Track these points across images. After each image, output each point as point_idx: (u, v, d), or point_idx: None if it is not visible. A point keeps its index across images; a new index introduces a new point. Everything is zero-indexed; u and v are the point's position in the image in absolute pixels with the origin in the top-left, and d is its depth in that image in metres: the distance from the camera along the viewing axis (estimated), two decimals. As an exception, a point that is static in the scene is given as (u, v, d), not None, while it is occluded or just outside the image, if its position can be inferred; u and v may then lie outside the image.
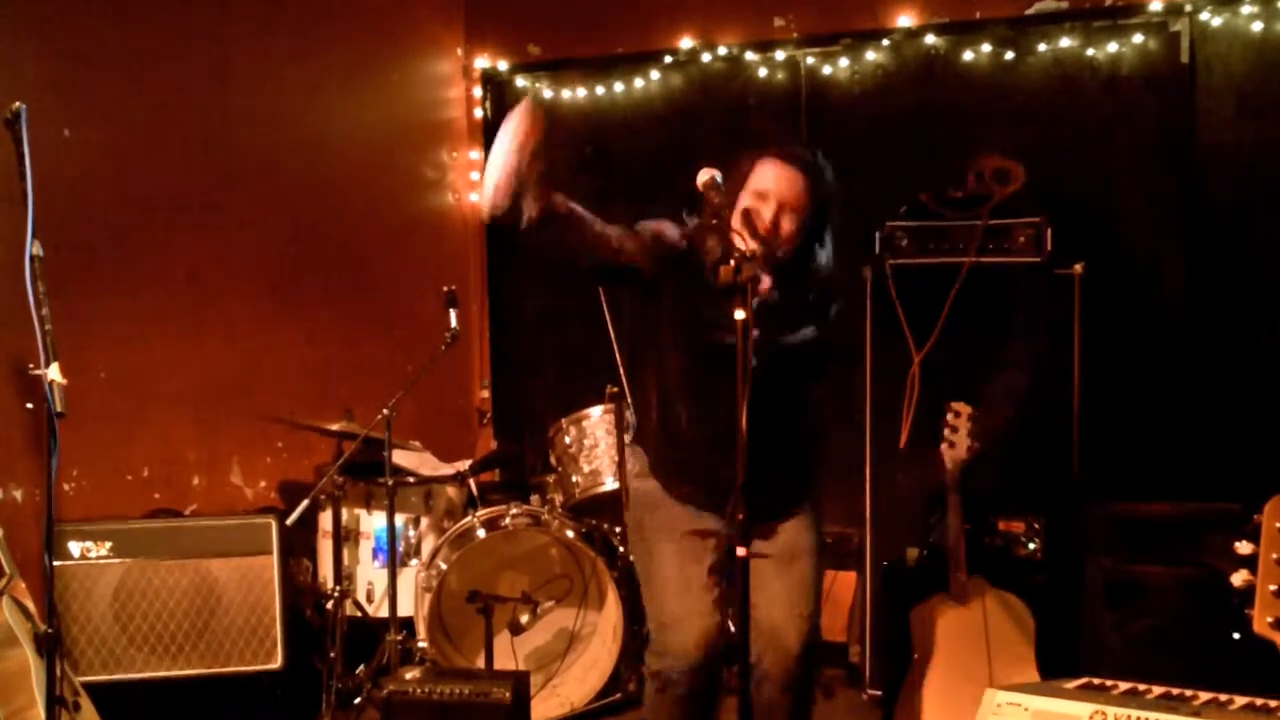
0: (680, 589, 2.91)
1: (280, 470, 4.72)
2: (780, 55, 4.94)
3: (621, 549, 4.19)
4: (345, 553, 4.17)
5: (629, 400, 4.06)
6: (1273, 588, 2.13)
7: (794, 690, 2.95)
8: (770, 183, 2.80)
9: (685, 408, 2.90)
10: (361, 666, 4.04)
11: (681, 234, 2.89)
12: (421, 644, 4.04)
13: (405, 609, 4.14)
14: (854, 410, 4.21)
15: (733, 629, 2.95)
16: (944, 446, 3.70)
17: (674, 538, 2.93)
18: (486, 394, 5.64)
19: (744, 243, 2.69)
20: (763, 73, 4.98)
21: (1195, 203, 4.30)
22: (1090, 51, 4.43)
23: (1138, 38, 4.36)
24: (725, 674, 3.17)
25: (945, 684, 3.51)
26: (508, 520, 4.14)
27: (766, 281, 2.77)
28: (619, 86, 5.28)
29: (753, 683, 2.82)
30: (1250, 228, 4.23)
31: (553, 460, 4.35)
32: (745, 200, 2.80)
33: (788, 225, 2.79)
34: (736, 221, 2.77)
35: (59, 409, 2.66)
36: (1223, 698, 2.26)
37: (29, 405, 3.76)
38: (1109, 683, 2.36)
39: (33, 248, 2.69)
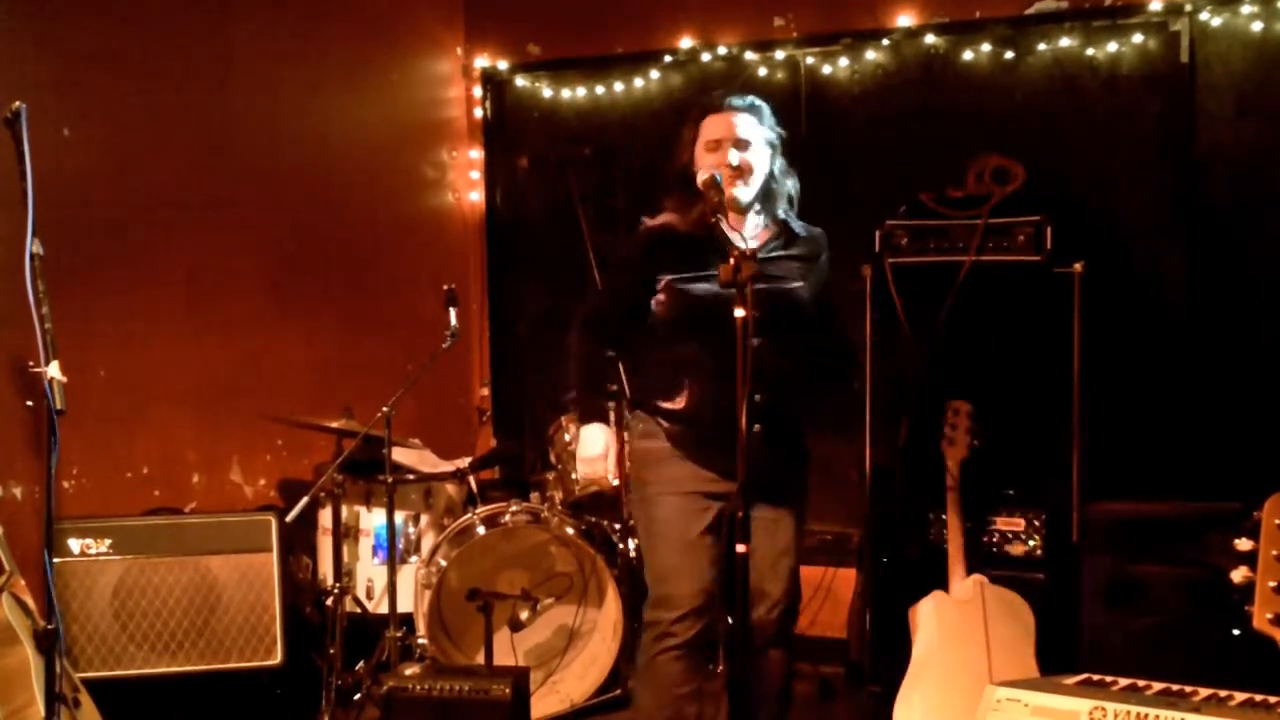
0: (680, 543, 3.03)
1: (280, 468, 4.72)
2: (780, 55, 4.94)
3: (621, 546, 4.19)
4: (345, 550, 4.17)
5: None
6: (1272, 584, 2.14)
7: (781, 643, 3.13)
8: (717, 130, 3.07)
9: (691, 373, 3.03)
10: (361, 663, 4.04)
11: (673, 218, 3.12)
12: (421, 641, 4.05)
13: (405, 606, 4.14)
14: (854, 407, 4.21)
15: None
16: (944, 445, 3.72)
17: (676, 494, 3.05)
18: (486, 392, 5.64)
19: (728, 188, 2.97)
20: (763, 72, 4.98)
21: (1195, 202, 4.30)
22: (1090, 51, 4.44)
23: (1137, 37, 4.37)
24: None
25: (945, 681, 3.51)
26: (507, 517, 4.14)
27: (764, 234, 3.10)
28: (619, 86, 5.28)
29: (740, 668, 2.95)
30: (1250, 227, 4.23)
31: (552, 458, 4.35)
32: (706, 158, 3.06)
33: (747, 161, 3.05)
34: (706, 174, 2.98)
35: (59, 406, 2.66)
36: (1222, 693, 2.26)
37: (29, 403, 3.76)
38: (1108, 679, 2.37)
39: (33, 246, 2.69)
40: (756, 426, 2.87)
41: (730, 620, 3.00)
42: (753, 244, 2.99)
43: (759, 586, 2.99)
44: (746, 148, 3.05)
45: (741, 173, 3.04)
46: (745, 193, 3.06)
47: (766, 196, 3.12)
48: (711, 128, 3.07)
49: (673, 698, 3.03)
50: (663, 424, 3.09)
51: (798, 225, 3.17)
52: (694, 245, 3.02)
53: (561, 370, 3.23)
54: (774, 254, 3.08)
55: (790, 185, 3.17)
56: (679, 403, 3.06)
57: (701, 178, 2.94)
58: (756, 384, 2.84)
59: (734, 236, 2.98)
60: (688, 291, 3.02)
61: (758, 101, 3.15)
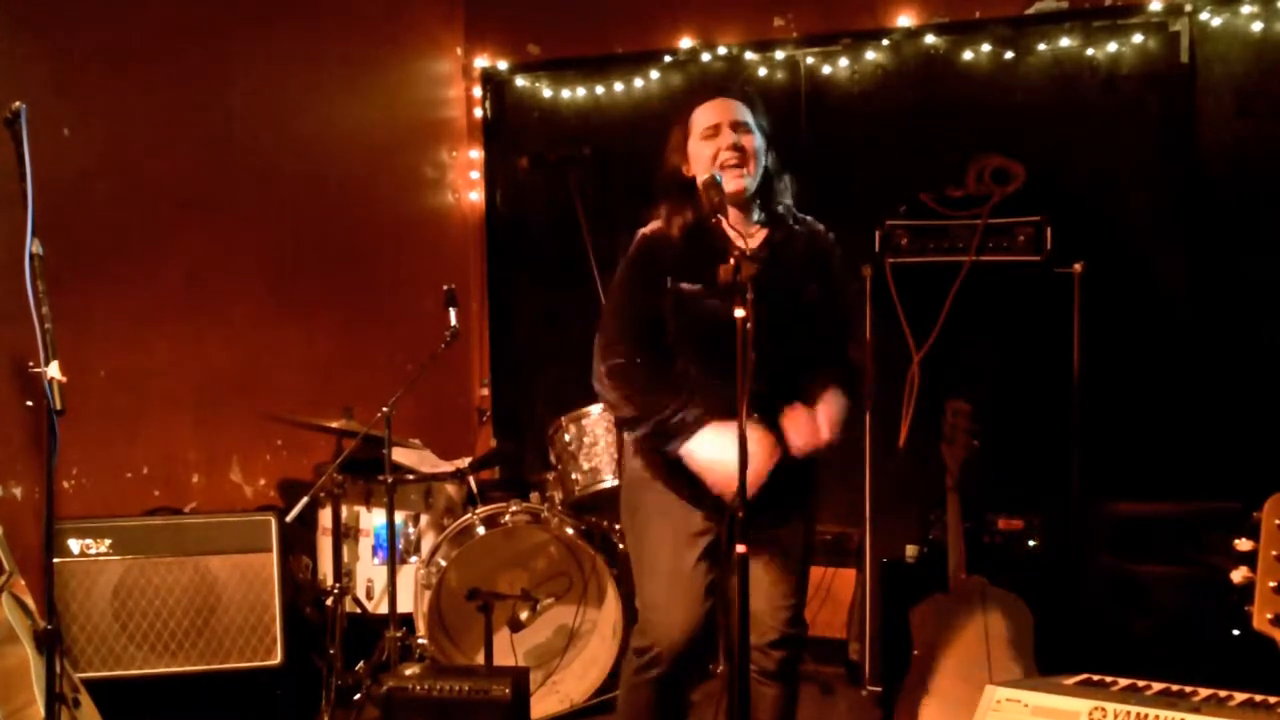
0: (671, 574, 2.91)
1: (280, 468, 4.72)
2: (780, 55, 4.95)
3: (621, 546, 4.19)
4: (345, 550, 4.17)
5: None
6: (1272, 584, 2.13)
7: (778, 678, 2.99)
8: (711, 115, 2.89)
9: (690, 391, 2.83)
10: (361, 663, 4.04)
11: (665, 225, 2.96)
12: (421, 641, 4.05)
13: (405, 606, 4.14)
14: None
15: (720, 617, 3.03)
16: (944, 445, 3.72)
17: (667, 521, 2.91)
18: (486, 392, 5.64)
19: (732, 181, 2.81)
20: (763, 72, 4.98)
21: (1195, 202, 4.30)
22: (1090, 51, 4.44)
23: (1137, 37, 4.37)
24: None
25: (945, 681, 3.51)
26: (507, 518, 4.14)
27: (763, 233, 2.92)
28: (619, 86, 5.28)
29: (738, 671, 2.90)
30: (1250, 227, 4.23)
31: (552, 458, 4.35)
32: (703, 148, 2.88)
33: (749, 142, 2.88)
34: (707, 166, 2.85)
35: (58, 407, 2.67)
36: (1222, 693, 2.26)
37: (29, 403, 3.75)
38: (1108, 679, 2.36)
39: (33, 246, 2.70)
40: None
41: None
42: (751, 243, 2.85)
43: (755, 626, 2.82)
44: (745, 131, 2.87)
45: (743, 156, 2.84)
46: (749, 182, 2.86)
47: (765, 191, 2.93)
48: (705, 115, 2.88)
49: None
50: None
51: (800, 221, 2.98)
52: (691, 252, 2.84)
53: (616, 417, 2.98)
54: (777, 253, 2.88)
55: (787, 184, 2.98)
56: None
57: (701, 178, 2.76)
58: (754, 402, 2.63)
59: (733, 234, 2.79)
60: (689, 306, 2.82)
61: (750, 90, 3.00)
